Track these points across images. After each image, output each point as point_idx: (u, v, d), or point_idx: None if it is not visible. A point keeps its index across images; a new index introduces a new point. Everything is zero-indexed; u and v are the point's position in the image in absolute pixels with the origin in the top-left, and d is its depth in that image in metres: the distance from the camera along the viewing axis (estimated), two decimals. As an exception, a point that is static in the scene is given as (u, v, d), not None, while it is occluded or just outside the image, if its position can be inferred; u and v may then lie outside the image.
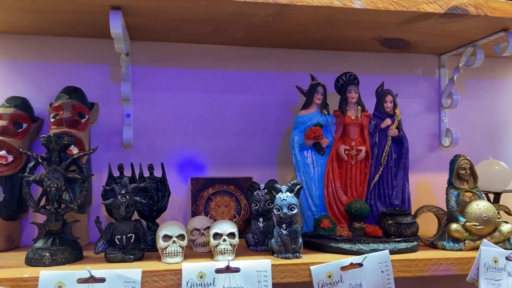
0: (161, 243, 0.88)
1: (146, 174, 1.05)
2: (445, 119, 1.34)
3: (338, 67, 1.27)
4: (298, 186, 0.94)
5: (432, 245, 1.05)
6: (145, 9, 0.94)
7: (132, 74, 1.18)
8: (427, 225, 1.13)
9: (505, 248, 0.98)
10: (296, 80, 1.20)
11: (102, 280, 0.79)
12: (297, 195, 0.93)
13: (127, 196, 0.91)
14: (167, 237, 0.88)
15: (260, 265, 0.85)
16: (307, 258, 0.92)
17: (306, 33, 1.11)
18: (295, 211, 0.91)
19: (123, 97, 1.13)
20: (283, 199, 0.91)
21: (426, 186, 1.34)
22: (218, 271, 0.83)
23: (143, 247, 0.92)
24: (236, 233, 0.91)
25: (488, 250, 0.95)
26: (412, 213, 1.07)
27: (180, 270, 0.81)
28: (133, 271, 0.80)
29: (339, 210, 1.07)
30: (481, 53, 1.18)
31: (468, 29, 1.10)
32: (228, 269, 0.83)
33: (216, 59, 1.23)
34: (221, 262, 0.83)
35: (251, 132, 1.25)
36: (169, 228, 0.89)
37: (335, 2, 0.92)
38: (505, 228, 1.01)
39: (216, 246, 0.89)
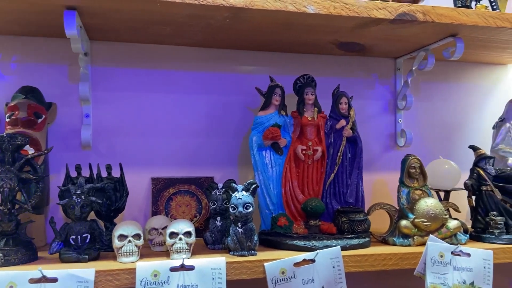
0: (116, 243, 0.88)
1: (105, 174, 1.05)
2: (400, 120, 1.40)
3: (297, 69, 1.30)
4: (254, 186, 0.96)
5: (384, 241, 1.09)
6: (101, 10, 0.95)
7: (91, 74, 1.18)
8: (384, 222, 1.17)
9: (452, 243, 1.04)
10: (257, 82, 1.22)
11: (54, 280, 0.79)
12: (252, 194, 0.96)
13: (82, 197, 0.91)
14: (122, 237, 0.89)
15: (214, 262, 0.87)
16: (262, 255, 0.95)
17: (264, 35, 1.14)
18: (250, 209, 0.93)
19: (82, 97, 1.13)
20: (239, 198, 0.93)
21: (383, 185, 1.39)
22: (173, 269, 0.84)
23: (98, 247, 0.92)
24: (193, 232, 0.93)
25: (435, 245, 0.99)
26: (366, 211, 1.11)
27: (134, 269, 0.82)
28: (86, 270, 0.80)
29: (296, 208, 1.10)
30: (432, 58, 1.23)
31: (419, 35, 1.15)
32: (182, 267, 0.85)
33: (177, 60, 1.24)
34: (176, 260, 0.85)
35: (213, 133, 1.27)
36: (124, 228, 0.90)
37: (289, 7, 0.95)
38: (451, 224, 1.07)
39: (172, 245, 0.90)
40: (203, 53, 1.25)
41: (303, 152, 1.12)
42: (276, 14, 0.97)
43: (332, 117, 1.16)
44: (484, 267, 1.00)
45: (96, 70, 1.19)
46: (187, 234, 0.92)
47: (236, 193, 0.94)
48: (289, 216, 1.09)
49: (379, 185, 1.38)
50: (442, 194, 1.25)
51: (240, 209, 0.92)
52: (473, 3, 1.14)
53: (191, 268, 0.85)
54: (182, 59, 1.24)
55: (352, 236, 1.03)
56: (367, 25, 1.06)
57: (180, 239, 0.90)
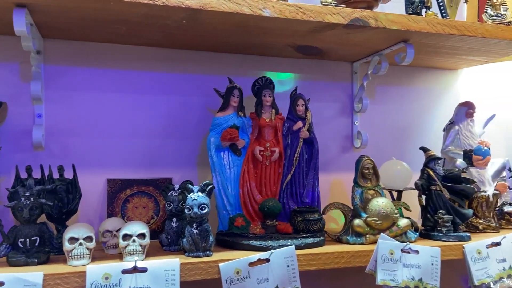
0: (66, 246, 0.87)
1: (57, 175, 1.02)
2: (357, 122, 1.44)
3: (256, 71, 1.32)
4: (209, 186, 0.97)
5: (338, 240, 1.12)
6: (52, 8, 0.92)
7: (44, 73, 1.14)
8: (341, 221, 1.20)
9: (402, 241, 1.08)
10: (216, 83, 1.22)
11: (0, 284, 0.76)
12: (208, 195, 0.96)
13: (31, 199, 0.88)
14: (73, 240, 0.87)
15: (168, 264, 0.86)
16: (218, 256, 0.95)
17: (222, 37, 1.14)
18: (206, 210, 0.93)
19: (34, 97, 1.09)
20: (194, 199, 0.93)
21: (340, 185, 1.42)
22: (125, 271, 0.83)
23: (48, 250, 0.90)
24: (147, 234, 0.92)
25: (385, 243, 1.03)
26: (321, 211, 1.14)
27: (85, 272, 0.81)
28: (34, 274, 0.78)
29: (254, 209, 1.11)
30: (386, 62, 1.28)
31: (372, 40, 1.19)
32: (135, 270, 0.84)
33: (134, 59, 1.23)
34: (128, 262, 0.84)
35: (171, 133, 1.26)
36: (75, 230, 0.88)
37: (245, 9, 0.96)
38: (402, 222, 1.11)
39: (125, 247, 0.89)
40: (161, 53, 1.25)
41: (261, 153, 1.14)
42: (233, 16, 0.97)
43: (290, 119, 1.18)
44: (432, 264, 1.05)
45: (49, 68, 1.16)
46: (141, 236, 0.91)
47: (191, 194, 0.94)
48: (247, 216, 1.10)
49: (336, 185, 1.42)
50: (394, 193, 1.30)
51: (195, 210, 0.92)
52: (423, 10, 1.19)
53: (144, 270, 0.84)
54: (139, 59, 1.23)
55: (307, 235, 1.05)
56: (322, 29, 1.09)
57: (134, 241, 0.89)
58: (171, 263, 0.87)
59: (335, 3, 1.09)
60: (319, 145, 1.39)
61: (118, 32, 1.10)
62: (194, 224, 0.93)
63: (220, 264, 0.90)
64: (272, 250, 0.94)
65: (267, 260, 0.94)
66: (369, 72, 1.35)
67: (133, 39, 1.17)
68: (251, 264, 0.92)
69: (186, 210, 0.93)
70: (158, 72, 1.25)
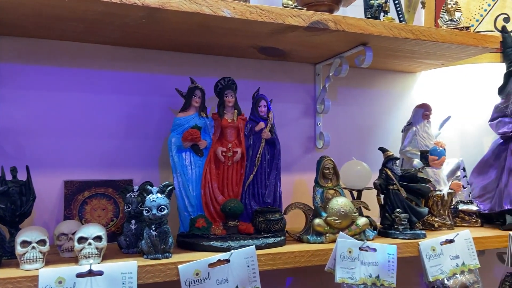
0: (18, 249, 0.84)
1: (10, 177, 0.99)
2: (319, 123, 1.46)
3: (219, 71, 1.32)
4: (169, 188, 0.96)
5: (299, 239, 1.14)
6: (4, 4, 0.89)
7: (-3, 71, 1.10)
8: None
9: (361, 240, 1.10)
10: (179, 83, 1.21)
11: None
12: (168, 196, 0.95)
13: (-20, 201, 0.85)
14: (25, 243, 0.84)
15: (125, 267, 0.85)
16: (177, 257, 0.94)
17: (183, 36, 1.13)
18: (165, 212, 0.93)
19: (-15, 95, 1.05)
20: (153, 201, 0.92)
21: (303, 185, 1.44)
22: (80, 275, 0.81)
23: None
24: (104, 236, 0.90)
25: (344, 241, 1.05)
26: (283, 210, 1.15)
27: (37, 276, 0.78)
28: (-18, 280, 0.75)
29: (215, 209, 1.11)
30: (346, 65, 1.30)
31: (333, 42, 1.21)
32: (90, 273, 0.82)
33: (93, 58, 1.20)
34: (83, 266, 0.82)
35: (132, 134, 1.24)
36: (28, 234, 0.85)
37: (205, 10, 0.96)
38: (360, 221, 1.14)
39: (81, 250, 0.87)
40: (121, 52, 1.22)
41: (223, 153, 1.13)
42: (193, 16, 0.97)
43: (252, 120, 1.18)
44: (389, 261, 1.08)
45: (3, 67, 1.11)
46: (97, 238, 0.89)
47: (150, 195, 0.93)
48: (208, 217, 1.09)
49: (299, 185, 1.43)
50: (355, 193, 1.33)
51: (154, 211, 0.91)
52: (382, 14, 1.23)
53: (100, 273, 0.82)
54: (98, 58, 1.20)
55: (268, 235, 1.06)
56: (284, 31, 1.10)
57: (90, 244, 0.87)
58: (128, 265, 0.85)
59: (296, 6, 1.11)
60: (282, 145, 1.40)
61: (75, 30, 1.07)
62: (153, 226, 0.92)
63: (179, 266, 0.89)
64: (232, 251, 0.94)
65: (227, 260, 0.94)
66: (330, 74, 1.38)
67: (92, 37, 1.14)
68: (211, 265, 0.92)
69: (144, 212, 0.92)
70: (118, 71, 1.23)
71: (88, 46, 1.19)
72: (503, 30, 1.43)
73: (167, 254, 0.93)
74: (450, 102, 1.62)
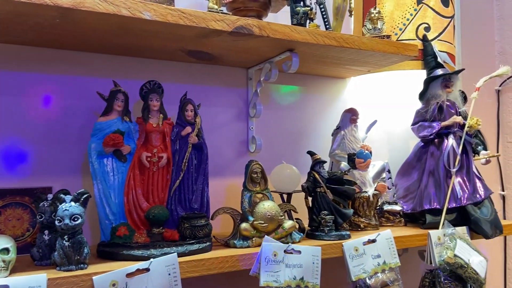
0: None
1: None
2: (252, 127, 1.47)
3: (150, 74, 1.29)
4: (84, 196, 0.92)
5: (226, 244, 1.13)
6: None
7: None
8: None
9: (287, 242, 1.12)
10: (104, 86, 1.17)
11: None
12: (83, 204, 0.91)
13: None
14: None
15: (33, 280, 0.80)
16: (94, 268, 0.90)
17: (105, 38, 1.09)
18: (79, 221, 0.89)
19: None
20: (65, 210, 0.88)
21: (236, 189, 1.43)
22: (-21, 292, 0.76)
23: None
24: (11, 248, 0.85)
25: (269, 245, 1.06)
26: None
27: None
28: None
29: (139, 217, 1.08)
30: (276, 70, 1.32)
31: (261, 48, 1.22)
32: (-8, 289, 0.77)
33: (6, 59, 1.13)
34: (-18, 282, 0.77)
35: (53, 139, 1.18)
36: None
37: (123, 11, 0.93)
38: (287, 224, 1.15)
39: (-17, 264, 0.81)
40: (38, 52, 1.16)
41: (148, 159, 1.11)
42: (109, 18, 0.94)
43: (179, 124, 1.16)
44: (313, 263, 1.10)
45: None
46: (4, 251, 0.84)
47: (63, 204, 0.89)
48: (132, 225, 1.06)
49: (232, 189, 1.43)
50: (285, 196, 1.34)
51: (67, 221, 0.87)
52: (308, 21, 1.26)
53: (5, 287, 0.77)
54: (11, 58, 1.13)
55: (193, 241, 1.05)
56: (208, 35, 1.09)
57: (-6, 257, 0.82)
58: (37, 278, 0.80)
59: (222, 11, 1.11)
60: (215, 150, 1.40)
61: (-16, 29, 1.00)
62: (66, 236, 0.88)
63: (93, 277, 0.86)
64: (152, 259, 0.91)
65: (147, 269, 0.91)
66: (261, 79, 1.39)
67: (4, 37, 1.07)
68: (129, 275, 0.89)
69: (56, 222, 0.88)
70: (36, 73, 1.16)
71: (2, 46, 1.11)
72: (424, 39, 1.51)
73: (81, 265, 0.89)
74: (378, 106, 1.69)
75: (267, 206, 1.13)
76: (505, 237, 2.04)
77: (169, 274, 0.94)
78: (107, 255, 1.00)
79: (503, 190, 2.05)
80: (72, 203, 0.89)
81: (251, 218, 1.12)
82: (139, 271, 0.91)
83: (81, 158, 1.20)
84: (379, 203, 1.44)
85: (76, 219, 0.88)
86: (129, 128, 1.11)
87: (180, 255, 0.99)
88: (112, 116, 1.09)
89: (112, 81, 1.13)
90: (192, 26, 1.02)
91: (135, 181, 1.09)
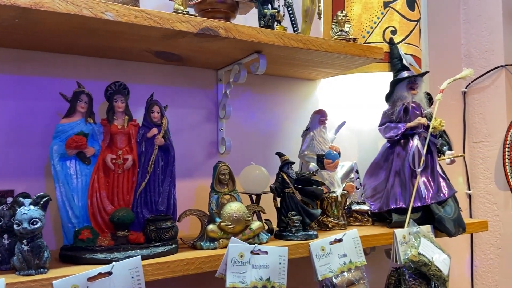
0: None
1: None
2: (222, 129, 1.47)
3: (117, 75, 1.27)
4: (44, 199, 0.90)
5: (193, 246, 1.13)
6: None
7: None
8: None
9: (255, 243, 1.12)
10: (66, 87, 1.15)
11: None
12: (43, 208, 0.89)
13: None
14: None
15: (-12, 286, 0.78)
16: (54, 272, 0.89)
17: (68, 38, 1.08)
18: (38, 225, 0.87)
19: None
20: (24, 213, 0.86)
21: (206, 191, 1.42)
22: None
23: None
24: (-34, 254, 0.82)
25: (235, 246, 1.06)
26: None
27: None
28: None
29: (104, 220, 1.06)
30: (244, 71, 1.32)
31: (229, 49, 1.22)
32: None
33: (-34, 59, 1.10)
34: None
35: (15, 141, 1.15)
36: None
37: (84, 11, 0.92)
38: (254, 225, 1.16)
39: None
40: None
41: (113, 161, 1.09)
42: (70, 18, 0.92)
43: (145, 126, 1.15)
44: (280, 263, 1.10)
45: None
46: (-41, 257, 0.81)
47: (22, 207, 0.87)
48: (96, 228, 1.05)
49: (202, 191, 1.43)
50: (254, 197, 1.35)
51: (25, 225, 0.85)
52: (276, 24, 1.27)
53: (-45, 296, 0.75)
54: (-30, 59, 1.11)
55: (159, 244, 1.04)
56: (174, 37, 1.09)
57: None
58: (-8, 285, 0.79)
59: (187, 12, 1.10)
60: (184, 151, 1.40)
61: None
62: (25, 241, 0.86)
63: (53, 282, 0.84)
64: (114, 263, 0.90)
65: (110, 273, 0.90)
66: (231, 81, 1.39)
67: (-38, 36, 1.05)
68: (91, 278, 0.88)
69: (15, 226, 0.86)
70: (-3, 74, 1.14)
71: (-41, 45, 1.09)
72: (390, 42, 1.54)
73: (41, 269, 0.87)
74: (347, 108, 1.71)
75: (234, 208, 1.13)
76: (471, 235, 2.10)
77: (133, 277, 0.93)
78: (69, 259, 0.98)
79: (469, 189, 2.11)
80: (31, 207, 0.87)
81: (218, 220, 1.12)
82: (101, 274, 0.89)
83: (44, 161, 1.18)
84: (347, 203, 1.47)
85: (35, 223, 0.86)
86: (93, 130, 1.09)
87: (144, 258, 0.98)
88: (75, 117, 1.07)
89: (76, 82, 1.11)
90: (157, 27, 1.01)
91: (99, 183, 1.08)
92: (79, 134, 1.05)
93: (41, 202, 0.89)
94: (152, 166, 1.13)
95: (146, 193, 1.12)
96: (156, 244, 1.04)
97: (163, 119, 1.17)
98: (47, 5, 0.88)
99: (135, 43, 1.14)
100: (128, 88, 1.16)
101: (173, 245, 1.06)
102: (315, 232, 1.24)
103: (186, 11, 1.10)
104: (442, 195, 1.41)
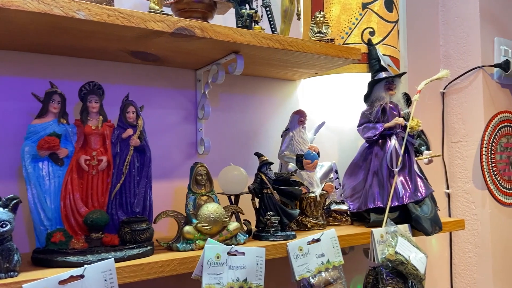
0: None
1: None
2: (201, 129, 1.46)
3: (92, 75, 1.25)
4: (14, 201, 0.88)
5: (169, 248, 1.12)
6: None
7: None
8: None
9: (232, 244, 1.12)
10: (39, 87, 1.13)
11: None
12: (13, 210, 0.88)
13: None
14: None
15: (-47, 292, 0.76)
16: (25, 275, 0.87)
17: (39, 38, 1.06)
18: (7, 228, 0.85)
19: None
20: (-8, 216, 0.84)
21: (184, 192, 1.41)
22: None
23: None
24: None
25: (211, 247, 1.05)
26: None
27: None
28: None
29: (77, 222, 1.04)
30: (223, 71, 1.32)
31: (206, 49, 1.22)
32: None
33: None
34: None
35: (-14, 142, 1.13)
36: None
37: (55, 10, 0.90)
38: (231, 226, 1.15)
39: None
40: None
41: (87, 162, 1.08)
42: (41, 17, 0.91)
43: (120, 126, 1.14)
44: (257, 264, 1.10)
45: None
46: None
47: (-10, 210, 0.85)
48: (69, 231, 1.03)
49: (180, 192, 1.41)
50: (233, 198, 1.34)
51: (-7, 228, 0.83)
52: (253, 24, 1.26)
53: None
54: None
55: (134, 246, 1.03)
56: (149, 36, 1.08)
57: None
58: (-42, 290, 0.77)
59: (163, 11, 1.09)
60: (163, 152, 1.39)
61: None
62: (-7, 244, 0.84)
63: (23, 285, 0.82)
64: (86, 266, 0.89)
65: (82, 276, 0.89)
66: (209, 81, 1.38)
67: None
68: (62, 282, 0.86)
69: (-18, 229, 0.84)
70: (-34, 73, 1.11)
71: None
72: (369, 43, 1.55)
73: (11, 273, 0.86)
74: (327, 108, 1.72)
75: (211, 209, 1.12)
76: (450, 234, 2.13)
77: (105, 280, 0.91)
78: (41, 262, 0.96)
79: (448, 189, 2.14)
80: (1, 209, 0.86)
81: (195, 221, 1.12)
82: (73, 278, 0.88)
83: (16, 162, 1.15)
84: (326, 203, 1.47)
85: (4, 226, 0.84)
86: (66, 131, 1.07)
87: (119, 260, 0.97)
88: (48, 118, 1.05)
89: (48, 82, 1.09)
90: (131, 27, 1.00)
91: (73, 185, 1.06)
92: (51, 135, 1.03)
93: (11, 205, 0.87)
94: (128, 167, 1.12)
95: (122, 194, 1.11)
96: (131, 246, 1.02)
97: (138, 120, 1.15)
98: (16, 3, 0.86)
99: (110, 43, 1.13)
100: (103, 88, 1.14)
101: (148, 247, 1.05)
102: (293, 232, 1.24)
103: (161, 11, 1.09)
104: (419, 194, 1.43)
